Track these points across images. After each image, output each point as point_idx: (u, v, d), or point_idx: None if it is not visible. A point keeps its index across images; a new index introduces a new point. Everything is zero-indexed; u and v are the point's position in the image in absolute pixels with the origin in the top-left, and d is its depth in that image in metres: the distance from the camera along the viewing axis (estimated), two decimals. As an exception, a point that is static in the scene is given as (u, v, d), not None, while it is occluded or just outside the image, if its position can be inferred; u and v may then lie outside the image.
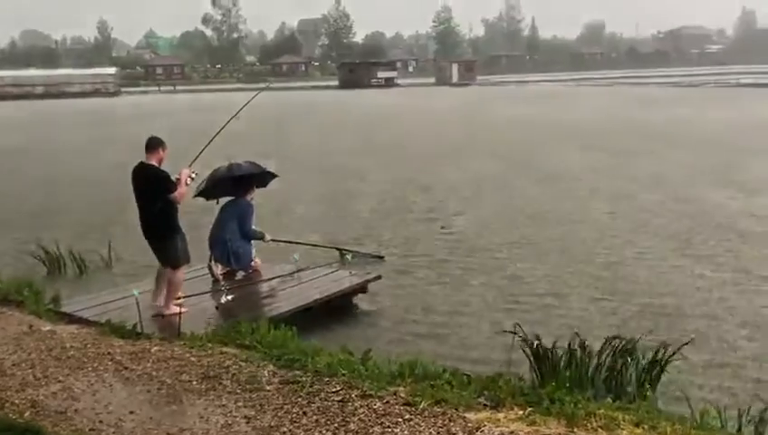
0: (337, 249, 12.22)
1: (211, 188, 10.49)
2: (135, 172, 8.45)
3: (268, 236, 10.75)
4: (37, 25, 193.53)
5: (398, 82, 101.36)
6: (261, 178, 10.97)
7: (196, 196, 10.67)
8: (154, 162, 8.38)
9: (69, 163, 26.47)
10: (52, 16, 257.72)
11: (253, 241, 10.51)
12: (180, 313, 8.02)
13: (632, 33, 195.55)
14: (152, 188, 8.29)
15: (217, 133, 9.42)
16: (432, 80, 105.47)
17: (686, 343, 7.23)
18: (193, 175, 8.64)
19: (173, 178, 8.37)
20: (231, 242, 10.18)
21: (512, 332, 7.22)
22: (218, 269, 10.22)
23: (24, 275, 10.55)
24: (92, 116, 54.00)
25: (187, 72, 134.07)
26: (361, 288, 10.09)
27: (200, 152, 8.98)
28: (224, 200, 10.54)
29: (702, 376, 7.50)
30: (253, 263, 10.43)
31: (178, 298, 8.32)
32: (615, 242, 13.19)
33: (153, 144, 8.42)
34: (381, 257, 12.28)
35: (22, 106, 70.35)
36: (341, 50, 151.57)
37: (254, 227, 10.46)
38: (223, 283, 9.82)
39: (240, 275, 10.37)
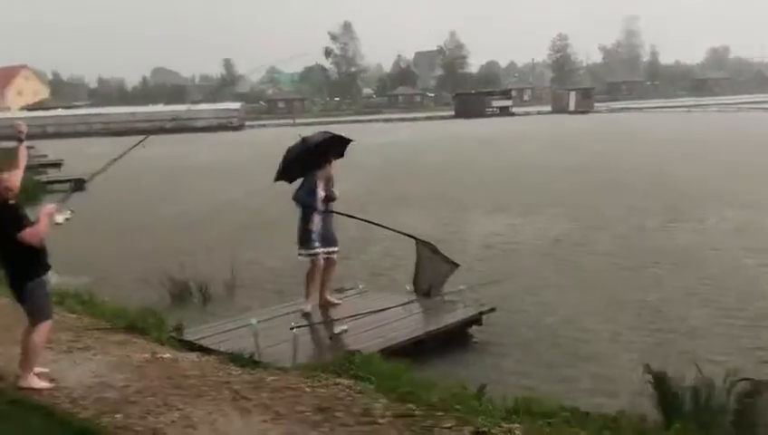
0: (425, 243, 11.07)
1: (289, 169, 10.16)
2: None
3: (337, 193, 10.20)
4: (167, 64, 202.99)
5: (514, 110, 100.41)
6: (336, 147, 10.39)
7: (276, 180, 10.32)
8: None
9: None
10: (182, 56, 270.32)
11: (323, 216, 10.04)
12: (41, 389, 6.77)
13: (759, 57, 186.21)
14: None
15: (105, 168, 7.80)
16: (548, 108, 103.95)
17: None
18: (68, 215, 6.88)
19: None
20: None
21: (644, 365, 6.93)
22: (333, 299, 10.29)
23: (150, 303, 10.96)
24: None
25: (306, 105, 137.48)
26: (476, 320, 9.96)
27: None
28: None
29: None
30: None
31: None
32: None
33: None
34: None
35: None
36: (457, 80, 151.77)
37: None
38: (336, 313, 9.90)
39: (352, 299, 10.36)
